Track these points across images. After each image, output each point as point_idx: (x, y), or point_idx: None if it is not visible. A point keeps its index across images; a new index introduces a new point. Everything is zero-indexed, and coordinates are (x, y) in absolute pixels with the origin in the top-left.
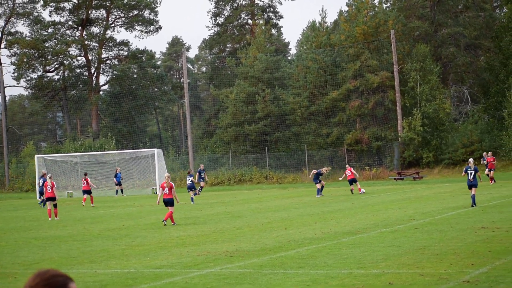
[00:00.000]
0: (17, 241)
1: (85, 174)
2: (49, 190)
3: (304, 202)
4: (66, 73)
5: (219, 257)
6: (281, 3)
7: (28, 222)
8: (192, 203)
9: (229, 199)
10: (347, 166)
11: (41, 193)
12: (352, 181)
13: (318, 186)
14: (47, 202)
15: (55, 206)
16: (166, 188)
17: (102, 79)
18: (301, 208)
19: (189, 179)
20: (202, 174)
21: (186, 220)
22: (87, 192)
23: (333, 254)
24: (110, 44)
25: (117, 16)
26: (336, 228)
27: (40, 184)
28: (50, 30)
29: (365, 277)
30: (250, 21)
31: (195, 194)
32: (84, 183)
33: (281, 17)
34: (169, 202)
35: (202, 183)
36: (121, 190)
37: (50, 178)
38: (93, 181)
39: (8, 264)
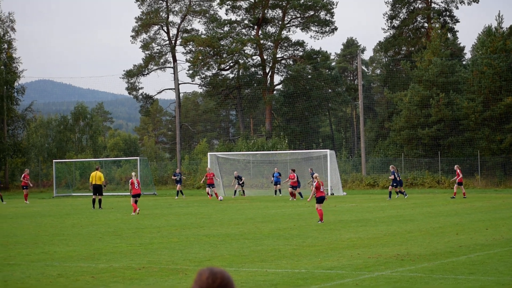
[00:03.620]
0: (188, 238)
1: (293, 170)
2: (136, 187)
3: (476, 208)
4: (240, 71)
5: (389, 260)
6: (457, 7)
7: (200, 219)
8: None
9: (400, 203)
10: (457, 166)
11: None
12: (460, 184)
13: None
14: (133, 198)
15: (135, 202)
16: (322, 187)
17: (277, 78)
18: (472, 214)
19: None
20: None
21: (357, 223)
22: (294, 187)
23: (504, 261)
24: (285, 44)
25: (293, 16)
26: (507, 235)
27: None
28: (225, 29)
29: None
30: (426, 24)
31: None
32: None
33: (457, 21)
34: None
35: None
36: (280, 191)
37: (135, 175)
38: (264, 180)
39: (180, 260)
